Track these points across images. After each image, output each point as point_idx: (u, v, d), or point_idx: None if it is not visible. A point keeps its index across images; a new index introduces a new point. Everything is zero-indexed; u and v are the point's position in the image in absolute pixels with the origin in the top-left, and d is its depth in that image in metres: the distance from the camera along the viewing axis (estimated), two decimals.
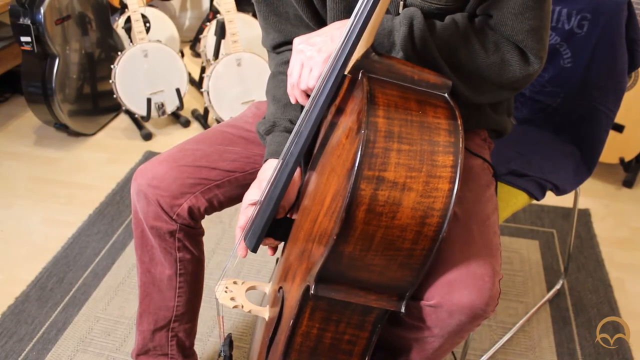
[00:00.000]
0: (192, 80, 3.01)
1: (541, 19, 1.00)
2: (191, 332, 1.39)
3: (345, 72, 0.90)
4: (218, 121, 2.65)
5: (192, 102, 2.92)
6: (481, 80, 1.03)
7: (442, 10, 1.01)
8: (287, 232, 1.09)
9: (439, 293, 0.95)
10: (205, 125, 2.74)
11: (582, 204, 2.25)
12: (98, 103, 2.71)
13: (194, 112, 2.82)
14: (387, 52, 0.99)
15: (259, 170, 1.22)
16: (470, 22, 1.02)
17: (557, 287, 1.86)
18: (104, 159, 2.49)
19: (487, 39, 1.01)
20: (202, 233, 1.28)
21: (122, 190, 2.26)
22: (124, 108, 2.63)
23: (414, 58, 0.99)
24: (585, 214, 2.21)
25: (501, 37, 1.01)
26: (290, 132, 1.13)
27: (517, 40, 1.00)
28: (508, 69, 1.02)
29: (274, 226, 1.03)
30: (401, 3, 1.02)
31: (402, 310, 0.90)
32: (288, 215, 1.08)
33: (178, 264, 1.26)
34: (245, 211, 1.10)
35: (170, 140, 2.64)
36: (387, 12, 1.05)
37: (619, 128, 2.27)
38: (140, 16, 2.62)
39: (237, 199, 1.24)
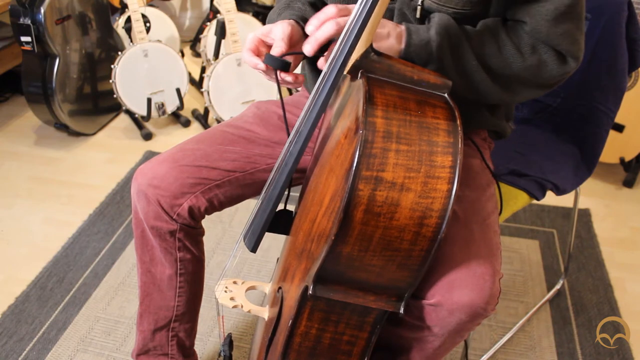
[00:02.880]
0: (192, 80, 3.01)
1: (574, 22, 1.02)
2: (191, 332, 1.39)
3: (345, 72, 0.90)
4: (218, 121, 2.65)
5: (193, 102, 2.92)
6: (518, 83, 1.05)
7: (459, 15, 1.02)
8: (289, 227, 1.09)
9: (440, 292, 0.95)
10: (205, 125, 2.74)
11: (582, 204, 2.25)
12: (98, 103, 2.71)
13: (194, 112, 2.82)
14: (424, 64, 0.99)
15: (258, 170, 1.23)
16: (504, 27, 1.03)
17: (557, 287, 1.86)
18: (104, 159, 2.49)
19: (523, 42, 1.02)
20: (202, 233, 1.28)
21: (123, 190, 2.26)
22: (124, 108, 2.63)
23: (452, 67, 1.00)
24: (585, 214, 2.21)
25: (537, 40, 1.03)
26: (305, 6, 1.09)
27: (553, 44, 1.03)
28: (545, 69, 1.04)
29: (274, 222, 1.03)
30: (418, 7, 1.03)
31: (401, 311, 0.90)
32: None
33: (178, 264, 1.26)
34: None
35: (170, 140, 2.65)
36: (405, 16, 1.05)
37: (619, 128, 2.26)
38: (140, 16, 2.62)
39: (237, 198, 1.24)
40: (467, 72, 1.01)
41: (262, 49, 1.04)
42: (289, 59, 1.02)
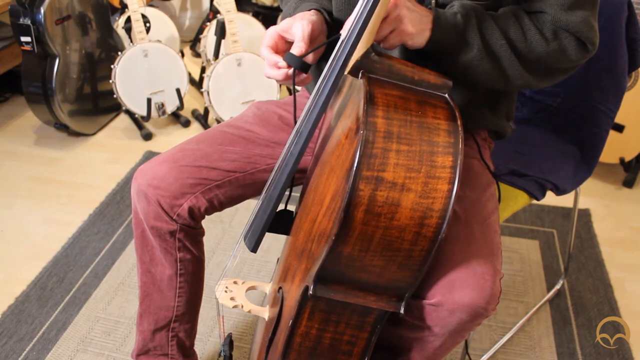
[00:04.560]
0: (192, 80, 3.01)
1: (588, 9, 1.04)
2: (191, 332, 1.39)
3: (346, 72, 0.90)
4: (218, 121, 2.65)
5: (192, 102, 2.92)
6: (539, 67, 1.06)
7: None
8: (289, 227, 1.09)
9: (440, 292, 0.95)
10: (205, 125, 2.74)
11: (582, 204, 2.25)
12: (98, 103, 2.71)
13: (194, 112, 2.82)
14: (452, 48, 1.00)
15: (259, 170, 1.23)
16: (526, 13, 1.05)
17: (557, 287, 1.86)
18: (104, 159, 2.49)
19: (545, 27, 1.04)
20: (202, 233, 1.28)
21: (123, 190, 2.26)
22: (124, 108, 2.63)
23: (481, 49, 1.00)
24: (585, 214, 2.21)
25: (558, 27, 1.04)
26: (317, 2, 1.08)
27: (573, 31, 1.04)
28: (566, 55, 1.05)
29: (275, 222, 1.03)
30: (433, 1, 1.03)
31: (402, 311, 0.90)
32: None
33: (178, 264, 1.26)
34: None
35: (170, 140, 2.65)
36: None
37: (619, 128, 2.26)
38: (140, 16, 2.62)
39: (237, 199, 1.24)
40: (497, 54, 1.02)
41: (281, 46, 1.03)
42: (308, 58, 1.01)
